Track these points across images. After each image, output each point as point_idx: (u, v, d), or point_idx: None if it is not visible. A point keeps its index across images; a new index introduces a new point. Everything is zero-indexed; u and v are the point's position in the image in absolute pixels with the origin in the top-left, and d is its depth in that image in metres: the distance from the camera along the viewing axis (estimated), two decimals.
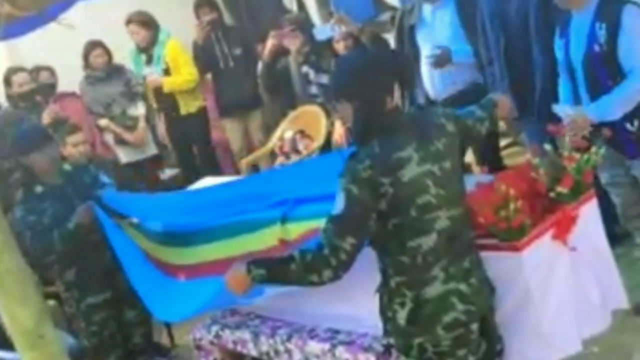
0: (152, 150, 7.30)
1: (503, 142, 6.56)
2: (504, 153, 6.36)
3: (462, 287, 2.88)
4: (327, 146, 6.20)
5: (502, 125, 6.48)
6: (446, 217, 2.85)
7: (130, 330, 5.11)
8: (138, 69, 7.31)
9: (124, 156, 7.16)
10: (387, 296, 2.94)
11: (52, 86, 7.02)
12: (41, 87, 6.81)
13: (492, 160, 5.46)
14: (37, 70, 6.91)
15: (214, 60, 7.25)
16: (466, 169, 5.16)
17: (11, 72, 6.71)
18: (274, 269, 2.90)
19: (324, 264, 2.75)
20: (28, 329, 1.68)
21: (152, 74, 7.22)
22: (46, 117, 6.46)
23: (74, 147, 5.71)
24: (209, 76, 7.57)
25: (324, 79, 6.17)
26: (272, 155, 6.67)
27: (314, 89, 6.33)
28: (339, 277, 2.79)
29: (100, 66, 7.02)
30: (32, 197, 4.73)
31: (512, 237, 2.98)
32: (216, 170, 7.19)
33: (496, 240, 3.03)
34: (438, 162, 2.85)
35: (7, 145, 5.32)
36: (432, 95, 5.43)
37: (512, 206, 2.94)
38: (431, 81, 5.40)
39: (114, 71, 7.11)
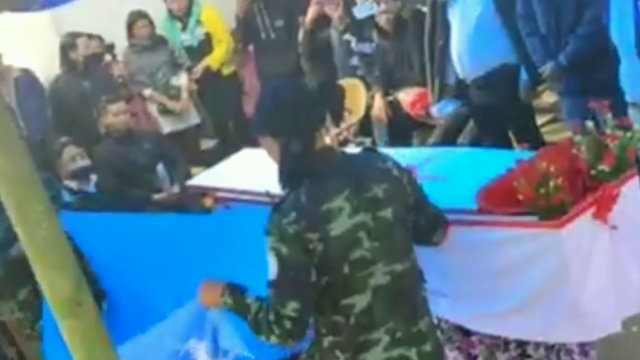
0: (194, 119, 7.36)
1: (544, 119, 6.50)
2: (544, 130, 6.29)
3: (412, 353, 2.61)
4: (366, 119, 6.18)
5: (543, 101, 6.44)
6: (384, 273, 2.57)
7: None
8: (174, 36, 7.34)
9: (166, 126, 7.21)
10: (319, 355, 2.69)
11: (102, 55, 7.11)
12: (93, 55, 6.91)
13: (531, 138, 5.41)
14: (88, 38, 6.96)
15: (255, 32, 7.28)
16: (507, 145, 5.15)
17: (75, 36, 6.80)
18: (238, 307, 2.66)
19: (269, 330, 2.50)
20: (66, 296, 1.70)
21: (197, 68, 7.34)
22: (117, 70, 6.72)
23: (115, 116, 5.79)
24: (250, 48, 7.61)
25: (366, 47, 6.16)
26: None
27: (355, 60, 6.33)
28: (290, 343, 2.56)
29: (145, 36, 7.07)
30: None
31: (551, 215, 2.94)
32: (252, 142, 7.24)
33: (535, 218, 3.00)
34: (373, 211, 2.56)
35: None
36: (461, 75, 5.39)
37: (552, 183, 2.90)
38: (460, 61, 5.34)
39: (158, 41, 7.16)
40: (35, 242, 1.64)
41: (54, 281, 1.69)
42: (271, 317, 2.49)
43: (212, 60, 7.36)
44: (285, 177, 2.59)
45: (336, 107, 2.72)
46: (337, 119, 2.73)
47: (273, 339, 2.53)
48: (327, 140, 2.70)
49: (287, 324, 2.47)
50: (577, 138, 3.22)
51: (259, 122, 2.68)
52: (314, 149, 2.58)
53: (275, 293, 2.49)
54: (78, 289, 1.71)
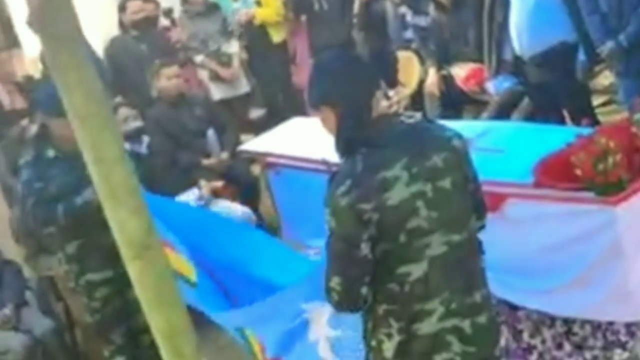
0: (244, 88, 7.38)
1: (599, 100, 6.42)
2: (599, 111, 6.22)
3: (466, 325, 2.56)
4: (418, 93, 6.16)
5: (598, 82, 6.36)
6: (441, 243, 2.50)
7: (135, 308, 4.36)
8: (226, 5, 7.37)
9: (216, 93, 7.23)
10: (372, 322, 2.63)
11: (156, 18, 7.15)
12: (148, 18, 6.93)
13: (586, 117, 5.36)
14: (143, 1, 6.99)
15: (308, 2, 7.26)
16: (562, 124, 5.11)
17: None
18: None
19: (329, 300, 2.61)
20: (137, 240, 1.72)
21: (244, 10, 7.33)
22: (175, 35, 6.89)
23: (168, 80, 5.79)
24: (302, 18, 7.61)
25: (422, 21, 6.10)
26: None
27: (409, 33, 6.28)
28: (346, 312, 2.63)
29: (199, 1, 7.11)
30: (41, 161, 4.14)
31: (608, 192, 2.93)
32: (300, 112, 7.28)
33: (592, 194, 2.98)
34: (432, 180, 2.48)
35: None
36: (519, 52, 5.33)
37: (610, 160, 2.89)
38: (519, 38, 5.27)
39: (212, 7, 7.20)
40: (109, 183, 1.66)
41: (125, 223, 1.71)
42: (323, 289, 2.54)
43: (259, 13, 7.33)
44: (342, 145, 2.54)
45: (390, 74, 2.68)
46: (391, 85, 2.69)
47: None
48: (384, 107, 2.69)
49: (335, 297, 2.51)
50: (637, 116, 3.19)
51: (314, 92, 2.64)
52: (371, 117, 2.54)
53: (326, 266, 2.52)
54: (148, 233, 1.74)
